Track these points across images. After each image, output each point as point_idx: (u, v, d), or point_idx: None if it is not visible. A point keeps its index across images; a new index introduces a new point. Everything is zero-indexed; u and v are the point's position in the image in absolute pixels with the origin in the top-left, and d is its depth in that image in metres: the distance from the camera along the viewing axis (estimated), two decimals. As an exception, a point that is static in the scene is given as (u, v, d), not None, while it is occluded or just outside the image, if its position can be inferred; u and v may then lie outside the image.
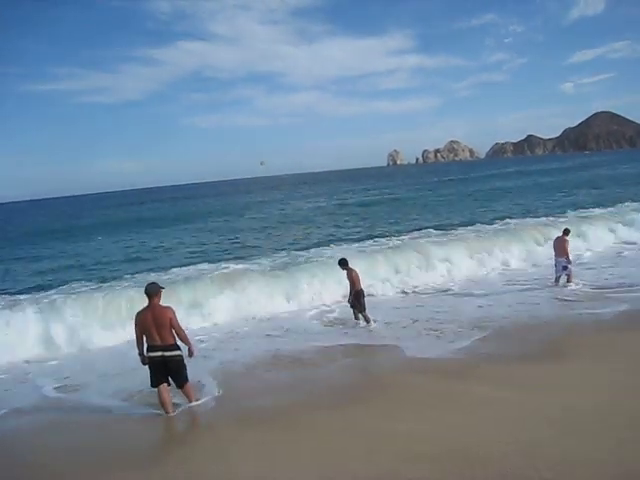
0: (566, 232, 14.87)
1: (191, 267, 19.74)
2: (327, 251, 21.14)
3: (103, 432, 7.58)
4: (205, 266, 19.60)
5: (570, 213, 27.34)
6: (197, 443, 6.95)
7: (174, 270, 19.12)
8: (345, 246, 22.54)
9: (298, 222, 36.90)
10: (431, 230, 25.06)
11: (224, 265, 19.17)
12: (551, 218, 25.54)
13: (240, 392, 8.61)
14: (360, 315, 12.08)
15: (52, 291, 16.85)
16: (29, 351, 11.48)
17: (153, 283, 7.99)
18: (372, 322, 11.95)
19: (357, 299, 12.04)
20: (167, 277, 17.46)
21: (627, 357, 8.79)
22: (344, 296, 12.95)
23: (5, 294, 17.34)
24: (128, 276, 18.98)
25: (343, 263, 12.36)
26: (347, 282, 12.31)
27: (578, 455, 5.67)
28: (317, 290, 14.78)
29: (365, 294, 12.29)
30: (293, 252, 21.84)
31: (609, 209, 27.42)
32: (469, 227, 25.35)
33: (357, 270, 12.37)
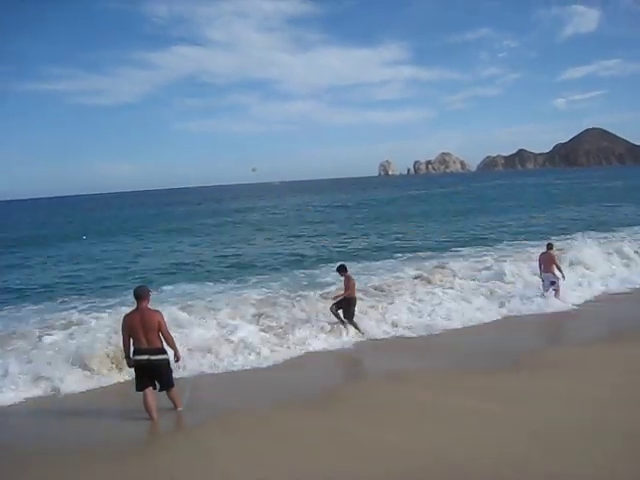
0: (549, 246, 14.76)
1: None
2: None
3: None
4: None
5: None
6: (180, 442, 6.92)
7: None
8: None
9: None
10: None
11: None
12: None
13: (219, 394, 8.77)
14: (347, 322, 12.00)
15: None
16: None
17: (143, 286, 7.93)
18: (361, 330, 11.92)
19: (348, 305, 12.04)
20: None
21: (611, 371, 8.82)
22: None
23: None
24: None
25: (342, 269, 12.39)
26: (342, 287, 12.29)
27: (565, 469, 5.67)
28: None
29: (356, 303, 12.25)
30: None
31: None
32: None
33: (355, 279, 12.46)
